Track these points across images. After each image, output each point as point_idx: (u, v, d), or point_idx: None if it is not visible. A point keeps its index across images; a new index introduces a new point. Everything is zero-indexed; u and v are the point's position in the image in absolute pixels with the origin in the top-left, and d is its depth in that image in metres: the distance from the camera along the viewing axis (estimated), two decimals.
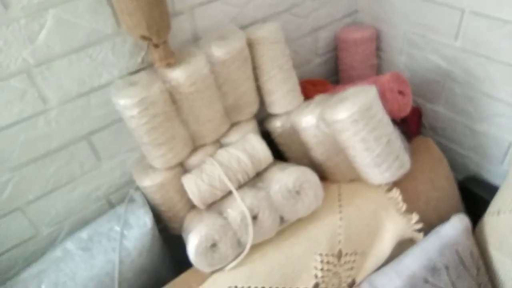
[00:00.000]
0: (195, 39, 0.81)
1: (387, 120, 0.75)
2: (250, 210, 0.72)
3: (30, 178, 0.74)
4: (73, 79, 0.70)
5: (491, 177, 0.95)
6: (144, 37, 0.68)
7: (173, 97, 0.74)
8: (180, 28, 0.78)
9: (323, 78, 1.11)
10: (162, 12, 0.67)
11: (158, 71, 0.73)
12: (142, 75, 0.73)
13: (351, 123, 0.72)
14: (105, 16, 0.68)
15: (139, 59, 0.75)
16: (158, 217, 0.85)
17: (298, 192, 0.74)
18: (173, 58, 0.71)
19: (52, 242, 0.82)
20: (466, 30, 0.83)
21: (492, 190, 0.93)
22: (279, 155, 0.93)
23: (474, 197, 0.95)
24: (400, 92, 0.82)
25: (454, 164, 0.98)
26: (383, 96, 0.79)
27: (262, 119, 0.92)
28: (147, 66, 0.77)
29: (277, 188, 0.73)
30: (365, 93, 0.73)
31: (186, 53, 0.75)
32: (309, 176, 0.75)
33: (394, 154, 0.75)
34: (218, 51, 0.75)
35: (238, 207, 0.72)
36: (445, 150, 0.96)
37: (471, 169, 0.98)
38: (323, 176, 0.88)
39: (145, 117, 0.70)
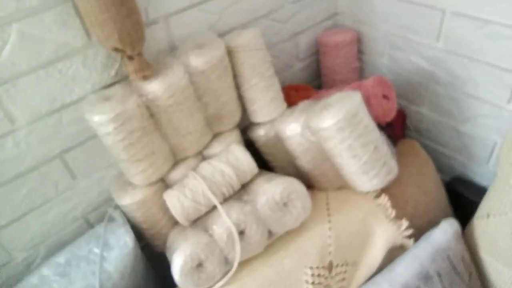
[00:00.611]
0: (172, 49, 0.78)
1: (373, 126, 0.73)
2: (237, 225, 0.69)
3: (0, 203, 0.69)
4: (42, 96, 0.65)
5: (477, 177, 0.95)
6: (117, 49, 0.64)
7: (150, 110, 0.71)
8: (155, 37, 0.74)
9: (305, 83, 1.09)
10: (135, 22, 0.64)
11: (134, 84, 0.70)
12: (117, 88, 0.69)
13: (336, 130, 0.70)
14: (74, 29, 0.64)
15: (113, 72, 0.71)
16: (140, 235, 0.81)
17: (285, 204, 0.72)
18: (149, 70, 0.68)
19: (27, 268, 0.77)
20: (447, 31, 0.82)
21: (478, 190, 0.93)
22: (264, 164, 0.90)
23: (461, 198, 0.95)
24: (385, 97, 0.80)
25: (440, 165, 0.97)
26: (367, 102, 0.77)
27: (245, 128, 0.89)
28: (121, 79, 0.73)
29: (264, 200, 0.71)
30: (350, 99, 0.71)
31: (162, 64, 0.71)
32: (296, 186, 0.73)
33: (381, 161, 0.74)
34: (197, 61, 0.71)
35: (223, 223, 0.69)
36: (430, 151, 0.96)
37: (457, 170, 0.98)
38: (310, 184, 0.86)
39: (122, 133, 0.66)
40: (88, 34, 0.66)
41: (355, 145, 0.71)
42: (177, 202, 0.72)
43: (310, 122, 0.73)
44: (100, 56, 0.69)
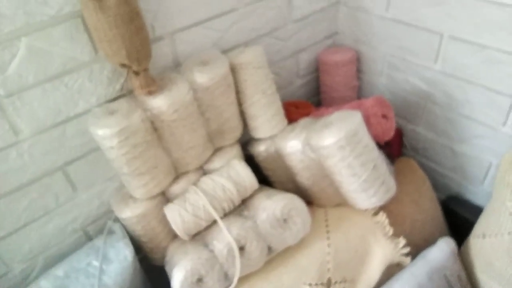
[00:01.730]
0: (176, 65, 0.79)
1: (372, 145, 0.75)
2: (237, 241, 0.69)
3: (0, 214, 0.69)
4: (47, 108, 0.66)
5: (473, 197, 0.96)
6: (123, 65, 0.65)
7: (154, 124, 0.71)
8: (161, 53, 0.76)
9: (305, 99, 1.11)
10: (143, 39, 0.65)
11: (139, 98, 0.71)
12: (122, 102, 0.70)
13: (337, 149, 0.71)
14: (82, 43, 0.65)
15: (118, 86, 0.72)
16: (139, 247, 0.81)
17: (285, 221, 0.73)
18: (154, 86, 0.69)
19: (25, 279, 0.77)
20: (445, 54, 0.85)
21: (474, 210, 0.94)
22: (263, 178, 0.91)
23: (457, 217, 0.96)
24: (384, 116, 0.82)
25: (436, 184, 0.99)
26: (367, 121, 0.79)
27: (246, 142, 0.90)
28: (126, 93, 0.74)
29: (264, 217, 0.71)
30: (350, 118, 0.73)
31: (167, 79, 0.73)
32: (297, 203, 0.74)
33: (380, 179, 0.75)
34: (201, 78, 0.73)
35: (224, 239, 0.69)
36: (426, 170, 0.97)
37: (453, 189, 1.00)
38: (309, 200, 0.87)
39: (125, 147, 0.67)
40: (95, 49, 0.67)
41: (355, 163, 0.72)
42: (177, 216, 0.72)
43: (311, 139, 0.75)
44: (106, 70, 0.70)
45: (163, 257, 0.81)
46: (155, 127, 0.72)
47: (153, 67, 0.74)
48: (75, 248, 0.80)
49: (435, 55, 0.87)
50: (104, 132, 0.65)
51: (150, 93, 0.69)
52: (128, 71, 0.68)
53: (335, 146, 0.71)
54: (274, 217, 0.71)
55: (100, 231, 0.82)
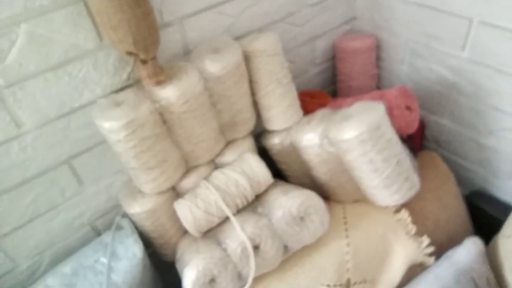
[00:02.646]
0: (186, 53, 0.74)
1: (396, 139, 0.70)
2: (251, 240, 0.66)
3: (5, 209, 0.66)
4: (50, 99, 0.62)
5: (499, 192, 0.91)
6: (130, 53, 0.61)
7: (163, 116, 0.67)
8: (170, 40, 0.71)
9: (320, 88, 1.05)
10: (150, 25, 0.60)
11: (146, 89, 0.67)
12: (129, 93, 0.66)
13: (358, 143, 0.66)
14: (85, 30, 0.61)
15: (125, 76, 0.68)
16: (148, 243, 0.78)
17: (302, 218, 0.69)
18: (162, 75, 0.64)
19: (32, 275, 0.74)
20: (474, 40, 0.79)
21: (500, 206, 0.89)
22: (277, 172, 0.87)
23: (481, 213, 0.91)
24: (408, 108, 0.77)
25: (459, 178, 0.93)
26: (390, 113, 0.74)
27: (258, 134, 0.86)
28: (133, 83, 0.70)
29: (280, 214, 0.67)
30: (372, 110, 0.68)
31: (176, 68, 0.68)
32: (315, 200, 0.69)
33: (404, 175, 0.70)
34: (213, 66, 0.68)
35: (238, 237, 0.66)
36: (449, 163, 0.92)
37: (477, 183, 0.94)
38: (326, 196, 0.83)
39: (133, 140, 0.63)
40: (100, 36, 0.63)
41: (377, 159, 0.67)
42: (189, 213, 0.69)
43: (329, 132, 0.70)
44: (112, 58, 0.66)
45: (173, 253, 0.78)
46: (164, 119, 0.68)
47: (162, 55, 0.70)
48: (83, 243, 0.77)
49: (463, 41, 0.81)
50: (110, 125, 0.61)
51: (159, 83, 0.65)
52: (135, 59, 0.63)
53: (356, 140, 0.66)
54: (290, 215, 0.67)
55: (108, 226, 0.79)
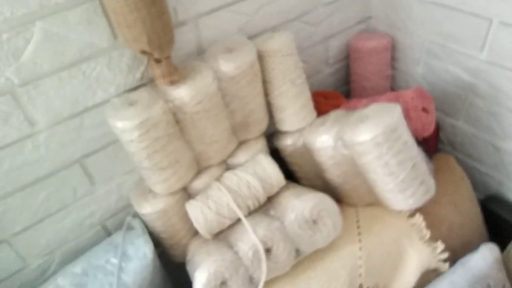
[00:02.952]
0: (200, 52, 0.74)
1: (412, 142, 0.68)
2: (263, 243, 0.65)
3: (16, 208, 0.66)
4: (64, 98, 0.62)
5: None
6: (144, 52, 0.60)
7: (176, 116, 0.67)
8: (184, 39, 0.70)
9: (333, 89, 1.04)
10: (165, 24, 0.60)
11: (160, 88, 0.66)
12: (142, 92, 0.65)
13: (374, 146, 0.65)
14: (100, 28, 0.60)
15: (138, 75, 0.68)
16: (158, 243, 0.78)
17: (315, 222, 0.68)
18: (177, 75, 0.64)
19: (42, 275, 0.74)
20: (493, 41, 0.77)
21: None
22: (288, 173, 0.86)
23: (496, 219, 0.89)
24: (424, 110, 0.75)
25: (474, 182, 0.92)
26: (406, 115, 0.72)
27: (270, 135, 0.85)
28: (147, 82, 0.69)
29: (292, 217, 0.67)
30: (389, 112, 0.67)
31: (190, 68, 0.67)
32: (328, 203, 0.68)
33: (419, 179, 0.69)
34: (227, 66, 0.67)
35: (249, 240, 0.65)
36: (464, 167, 0.90)
37: (492, 188, 0.92)
38: (338, 198, 0.82)
39: (146, 140, 0.63)
40: (114, 35, 0.62)
41: (393, 162, 0.66)
42: (200, 214, 0.68)
43: (344, 134, 0.69)
44: (126, 57, 0.65)
45: (184, 254, 0.78)
46: (177, 119, 0.67)
47: (175, 54, 0.69)
48: (93, 243, 0.77)
49: (482, 42, 0.79)
50: (124, 125, 0.61)
51: (173, 82, 0.64)
52: (149, 58, 0.63)
53: (371, 143, 0.65)
54: (303, 218, 0.66)
55: (119, 226, 0.79)
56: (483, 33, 0.78)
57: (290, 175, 0.87)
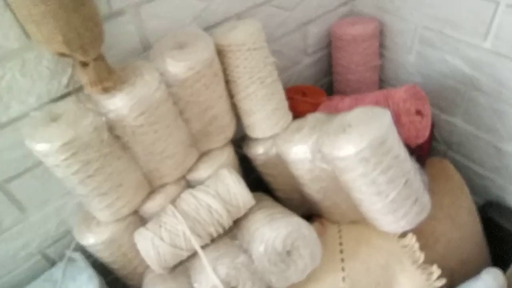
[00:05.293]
0: (147, 48, 0.60)
1: (404, 155, 0.57)
2: (226, 284, 0.54)
3: None
4: None
5: None
6: (63, 54, 0.47)
7: (115, 131, 0.54)
8: (123, 34, 0.57)
9: (313, 82, 0.91)
10: (87, 17, 0.46)
11: (92, 97, 0.53)
12: (69, 104, 0.52)
13: (358, 161, 0.54)
14: (6, 26, 0.47)
15: (65, 80, 0.54)
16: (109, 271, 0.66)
17: (289, 253, 0.57)
18: (110, 81, 0.50)
19: None
20: (499, 28, 0.65)
21: None
22: (262, 182, 0.75)
23: (495, 226, 0.80)
24: (418, 112, 0.64)
25: (472, 186, 0.81)
26: (397, 120, 0.61)
27: (240, 139, 0.73)
28: (78, 88, 0.56)
29: (261, 250, 0.55)
30: (376, 120, 0.55)
31: (131, 69, 0.54)
32: (304, 231, 0.57)
33: (412, 198, 0.58)
34: (175, 66, 0.54)
35: (210, 280, 0.54)
36: (460, 169, 0.80)
37: (493, 193, 0.82)
38: (319, 213, 0.71)
39: (75, 165, 0.50)
40: (26, 33, 0.48)
41: (381, 180, 0.55)
42: (151, 247, 0.57)
43: (324, 147, 0.57)
44: (46, 60, 0.52)
45: (140, 282, 0.66)
46: (116, 134, 0.54)
47: (113, 52, 0.56)
48: (33, 274, 0.66)
49: (486, 29, 0.66)
50: (43, 148, 0.48)
51: (105, 90, 0.51)
52: (73, 62, 0.49)
53: (355, 159, 0.53)
54: (274, 250, 0.55)
55: (62, 253, 0.67)
56: (487, 18, 0.65)
57: (265, 186, 0.75)
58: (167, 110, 0.56)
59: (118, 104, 0.51)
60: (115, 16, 0.55)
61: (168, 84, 0.55)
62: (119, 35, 0.56)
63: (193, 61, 0.55)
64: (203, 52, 0.56)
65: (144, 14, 0.58)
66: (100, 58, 0.50)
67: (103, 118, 0.52)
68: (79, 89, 0.55)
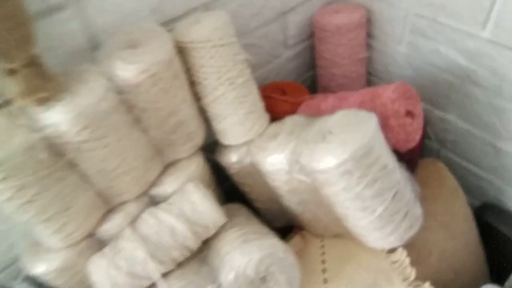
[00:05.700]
0: (95, 47, 0.52)
1: (392, 164, 0.50)
2: None
3: None
4: None
5: None
6: None
7: (55, 148, 0.46)
8: (65, 32, 0.49)
9: (295, 77, 0.84)
10: (9, 16, 0.38)
11: (27, 110, 0.45)
12: None
13: (340, 175, 0.47)
14: None
15: None
16: None
17: (264, 279, 0.50)
18: (46, 90, 0.43)
19: None
20: (500, 15, 0.58)
21: None
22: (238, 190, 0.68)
23: (492, 230, 0.74)
24: (408, 113, 0.56)
25: (467, 187, 0.75)
26: (385, 124, 0.54)
27: (213, 143, 0.66)
28: (4, 103, 0.47)
29: (231, 279, 0.49)
30: (361, 126, 0.48)
31: (74, 75, 0.47)
32: (280, 254, 0.50)
33: (402, 212, 0.52)
34: (126, 70, 0.46)
35: None
36: (455, 169, 0.74)
37: (489, 194, 0.76)
38: (300, 226, 0.64)
39: (6, 191, 0.43)
40: None
41: (367, 194, 0.48)
42: (106, 278, 0.50)
43: (302, 157, 0.50)
44: None
45: None
46: (57, 151, 0.46)
47: (54, 53, 0.48)
48: None
49: (485, 16, 0.59)
50: None
51: (40, 101, 0.43)
52: None
53: (336, 172, 0.47)
54: (245, 278, 0.48)
55: (15, 277, 0.60)
56: (486, 4, 0.58)
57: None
58: (117, 121, 0.48)
59: (54, 118, 0.43)
60: (53, 11, 0.46)
61: (119, 90, 0.47)
62: (60, 34, 0.48)
63: (147, 63, 0.47)
64: (159, 51, 0.48)
65: (91, 8, 0.49)
66: (32, 63, 0.42)
67: (39, 135, 0.44)
68: (9, 102, 0.47)
